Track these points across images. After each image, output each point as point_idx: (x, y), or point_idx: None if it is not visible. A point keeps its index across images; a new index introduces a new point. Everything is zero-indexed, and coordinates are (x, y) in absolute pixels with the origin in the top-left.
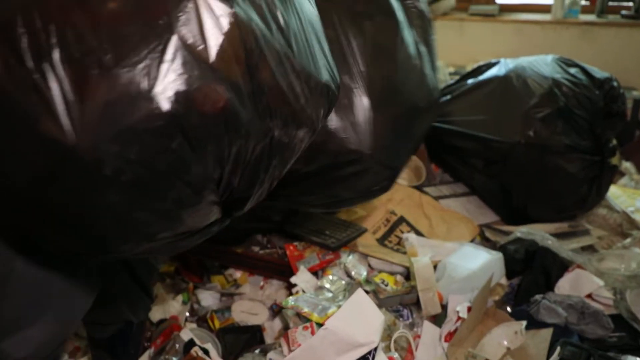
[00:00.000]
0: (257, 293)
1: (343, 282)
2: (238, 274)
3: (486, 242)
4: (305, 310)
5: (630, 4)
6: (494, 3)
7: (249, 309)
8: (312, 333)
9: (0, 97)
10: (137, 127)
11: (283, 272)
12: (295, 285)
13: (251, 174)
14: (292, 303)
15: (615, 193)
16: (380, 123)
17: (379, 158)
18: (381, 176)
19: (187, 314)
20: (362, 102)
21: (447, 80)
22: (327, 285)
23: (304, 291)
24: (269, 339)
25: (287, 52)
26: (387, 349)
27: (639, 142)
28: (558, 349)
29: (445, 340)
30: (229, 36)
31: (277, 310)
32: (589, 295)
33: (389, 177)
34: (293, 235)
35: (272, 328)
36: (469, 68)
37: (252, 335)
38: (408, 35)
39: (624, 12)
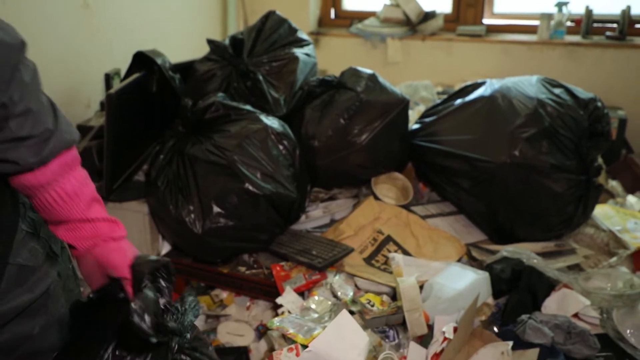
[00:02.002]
0: (244, 314)
1: (329, 302)
2: (224, 295)
3: (473, 262)
4: (291, 331)
5: (615, 25)
6: (481, 24)
7: (234, 330)
8: (297, 355)
9: None
10: None
11: (269, 292)
12: (281, 305)
13: None
14: (278, 324)
15: (609, 213)
16: None
17: None
18: None
19: None
20: None
21: (435, 99)
22: (313, 306)
23: (289, 312)
24: None
25: None
26: None
27: (624, 161)
28: None
29: None
30: None
31: (263, 332)
32: (576, 315)
33: None
34: (280, 255)
35: (258, 350)
36: (457, 87)
37: (238, 357)
38: None
39: (608, 33)
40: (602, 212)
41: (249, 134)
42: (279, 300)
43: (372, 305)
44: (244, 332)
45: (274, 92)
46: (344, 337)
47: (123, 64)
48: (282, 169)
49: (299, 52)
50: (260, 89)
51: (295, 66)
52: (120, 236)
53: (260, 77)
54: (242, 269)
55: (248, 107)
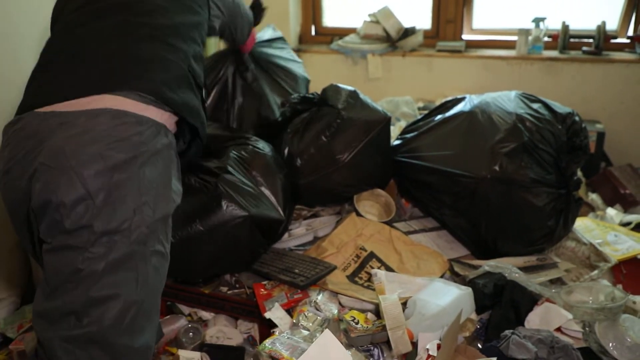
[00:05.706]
0: (232, 323)
1: (319, 318)
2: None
3: (456, 277)
4: (285, 355)
5: (591, 40)
6: (461, 39)
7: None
8: None
9: None
10: None
11: (252, 312)
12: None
13: None
14: (270, 347)
15: (589, 226)
16: None
17: None
18: None
19: None
20: None
21: (416, 115)
22: (303, 323)
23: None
24: None
25: None
26: None
27: (603, 174)
28: None
29: None
30: None
31: (252, 342)
32: (559, 329)
33: None
34: (262, 274)
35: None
36: (438, 102)
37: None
38: None
39: (585, 48)
40: (583, 225)
41: None
42: (267, 315)
43: (357, 323)
44: (232, 336)
45: None
46: (327, 357)
47: None
48: None
49: None
50: None
51: None
52: None
53: None
54: (224, 289)
55: None
